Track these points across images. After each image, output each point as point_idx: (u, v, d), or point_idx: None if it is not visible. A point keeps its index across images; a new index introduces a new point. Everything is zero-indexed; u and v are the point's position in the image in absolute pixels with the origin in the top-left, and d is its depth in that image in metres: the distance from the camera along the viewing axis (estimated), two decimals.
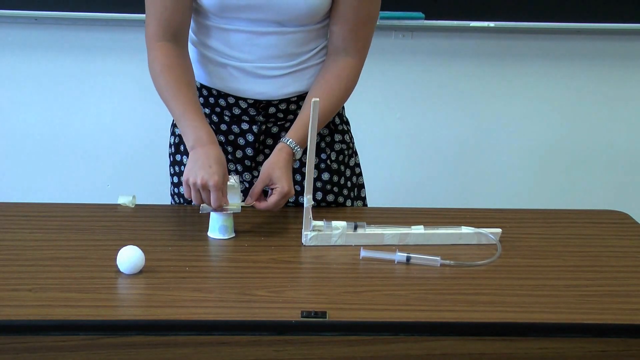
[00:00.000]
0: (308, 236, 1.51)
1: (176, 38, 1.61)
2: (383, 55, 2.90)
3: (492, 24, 2.80)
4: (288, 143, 1.59)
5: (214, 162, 1.50)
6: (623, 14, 2.83)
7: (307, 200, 1.49)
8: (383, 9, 2.71)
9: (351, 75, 1.67)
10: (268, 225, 1.60)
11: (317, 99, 1.40)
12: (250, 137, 1.72)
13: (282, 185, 1.53)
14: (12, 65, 2.89)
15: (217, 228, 1.53)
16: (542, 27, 2.85)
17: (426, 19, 2.77)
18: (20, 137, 2.98)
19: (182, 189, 1.75)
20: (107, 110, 2.96)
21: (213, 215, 1.53)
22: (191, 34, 1.68)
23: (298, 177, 1.75)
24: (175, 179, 1.79)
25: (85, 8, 2.71)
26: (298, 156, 1.60)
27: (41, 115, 2.95)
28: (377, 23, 2.71)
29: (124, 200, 1.69)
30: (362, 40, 1.66)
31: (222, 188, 1.49)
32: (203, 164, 1.49)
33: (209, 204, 1.50)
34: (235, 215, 1.55)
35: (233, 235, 1.54)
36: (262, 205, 1.55)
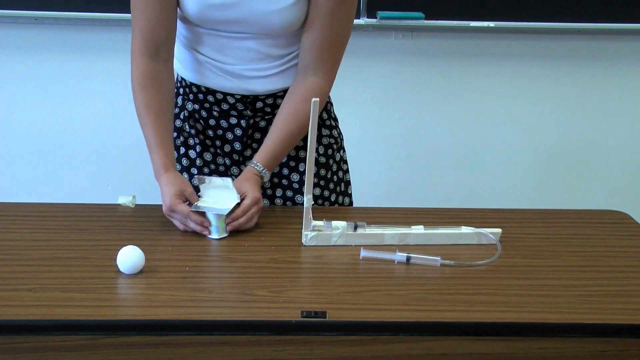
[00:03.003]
0: (308, 236, 1.51)
1: (158, 53, 1.64)
2: (383, 55, 2.90)
3: (492, 24, 2.80)
4: (257, 168, 1.62)
5: (165, 187, 1.56)
6: (623, 14, 2.83)
7: (307, 200, 1.49)
8: (383, 9, 2.75)
9: (320, 96, 1.63)
10: (268, 225, 1.60)
11: (317, 99, 1.40)
12: (238, 132, 1.74)
13: (253, 193, 1.56)
14: (12, 65, 2.89)
15: (211, 228, 1.53)
16: (542, 27, 2.85)
17: (426, 19, 2.77)
18: (20, 137, 2.98)
19: None
20: (107, 110, 2.96)
21: (206, 216, 1.54)
22: (180, 36, 1.70)
23: (295, 177, 1.77)
24: None
25: (85, 8, 2.71)
26: (266, 179, 1.63)
27: (41, 115, 2.95)
28: (378, 23, 2.75)
29: (124, 200, 1.69)
30: (330, 61, 1.66)
31: (176, 208, 1.52)
32: (161, 194, 1.57)
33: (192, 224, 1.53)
34: None
35: (225, 235, 1.54)
36: (238, 212, 1.54)
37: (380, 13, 2.75)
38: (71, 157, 3.01)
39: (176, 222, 1.55)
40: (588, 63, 2.99)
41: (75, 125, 2.97)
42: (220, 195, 1.56)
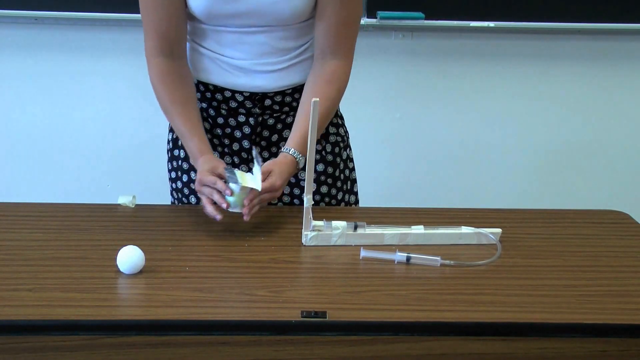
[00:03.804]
0: (308, 236, 1.51)
1: (173, 52, 1.65)
2: (383, 55, 2.90)
3: (492, 24, 2.80)
4: (291, 153, 1.61)
5: (199, 167, 1.57)
6: (623, 14, 2.83)
7: (307, 200, 1.49)
8: (383, 9, 2.75)
9: (342, 78, 1.68)
10: (268, 225, 1.60)
11: (317, 99, 1.40)
12: (246, 130, 1.74)
13: (276, 179, 1.55)
14: (12, 65, 2.89)
15: (230, 201, 1.52)
16: (542, 27, 2.85)
17: (426, 19, 2.77)
18: (20, 137, 2.98)
19: (180, 185, 1.79)
20: (107, 110, 2.96)
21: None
22: (187, 34, 1.69)
23: (303, 175, 1.76)
24: (174, 175, 1.81)
25: (85, 8, 2.71)
26: (301, 165, 1.62)
27: (41, 115, 2.95)
28: (378, 23, 2.75)
29: (124, 200, 1.69)
30: (348, 42, 1.67)
31: (205, 180, 1.52)
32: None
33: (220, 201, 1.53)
34: (235, 216, 1.54)
35: (237, 210, 1.52)
36: (252, 197, 1.53)
37: (380, 13, 2.75)
38: (71, 157, 3.01)
39: (204, 199, 1.54)
40: (588, 63, 2.99)
41: (75, 125, 2.97)
42: (248, 176, 1.56)
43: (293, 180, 1.76)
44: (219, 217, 1.51)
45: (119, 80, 2.91)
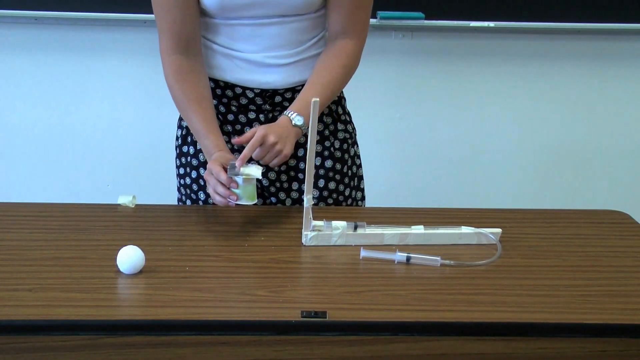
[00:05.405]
0: (308, 236, 1.51)
1: (188, 50, 1.66)
2: (383, 55, 2.90)
3: (492, 24, 2.80)
4: (288, 115, 1.60)
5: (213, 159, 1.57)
6: (623, 14, 2.83)
7: (307, 200, 1.49)
8: (383, 9, 2.75)
9: (350, 55, 1.69)
10: (268, 225, 1.60)
11: (317, 99, 1.41)
12: (256, 126, 1.73)
13: (259, 130, 1.53)
14: (12, 65, 2.89)
15: (238, 193, 1.53)
16: (542, 27, 2.85)
17: (426, 19, 2.77)
18: (20, 137, 2.98)
19: (188, 181, 1.79)
20: (107, 110, 2.96)
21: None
22: None
23: (300, 176, 1.76)
24: (182, 171, 1.82)
25: (85, 8, 2.71)
26: (297, 122, 1.60)
27: (41, 115, 2.95)
28: (378, 23, 2.75)
29: (124, 200, 1.69)
30: (359, 24, 1.69)
31: (213, 169, 1.52)
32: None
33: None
34: (236, 216, 1.55)
35: (242, 202, 1.52)
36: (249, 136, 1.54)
37: (380, 13, 2.75)
38: (71, 157, 3.01)
39: (210, 190, 1.54)
40: (588, 63, 2.99)
41: (75, 125, 2.97)
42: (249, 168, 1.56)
43: (301, 176, 1.76)
44: (232, 203, 1.51)
45: (119, 81, 2.90)
